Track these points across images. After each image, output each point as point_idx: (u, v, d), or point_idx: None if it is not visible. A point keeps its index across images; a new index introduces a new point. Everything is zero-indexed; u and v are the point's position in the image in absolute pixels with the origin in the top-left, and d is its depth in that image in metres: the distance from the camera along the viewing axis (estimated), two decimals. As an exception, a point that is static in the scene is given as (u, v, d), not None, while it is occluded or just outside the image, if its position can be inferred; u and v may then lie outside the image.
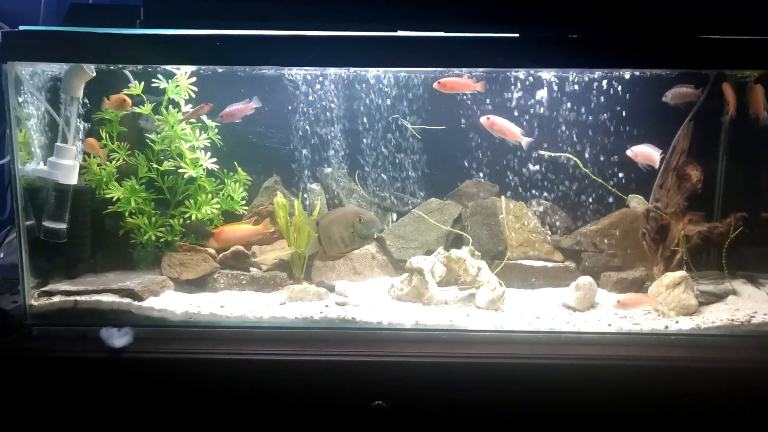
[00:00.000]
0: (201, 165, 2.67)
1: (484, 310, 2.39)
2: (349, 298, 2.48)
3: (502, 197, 2.86)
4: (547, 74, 2.61)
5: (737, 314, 2.30)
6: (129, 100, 2.51)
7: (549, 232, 2.87)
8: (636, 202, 2.82)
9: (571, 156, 2.70)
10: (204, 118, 2.66)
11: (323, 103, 2.77)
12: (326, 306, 2.40)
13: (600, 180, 2.69)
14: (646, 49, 2.09)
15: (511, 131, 2.54)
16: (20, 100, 2.35)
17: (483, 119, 2.54)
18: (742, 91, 2.49)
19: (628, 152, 2.55)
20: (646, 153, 2.53)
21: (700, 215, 2.66)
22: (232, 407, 2.09)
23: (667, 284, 2.37)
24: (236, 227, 2.63)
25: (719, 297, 2.46)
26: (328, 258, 2.44)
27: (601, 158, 2.74)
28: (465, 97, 2.73)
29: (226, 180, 2.75)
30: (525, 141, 2.55)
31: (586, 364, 2.07)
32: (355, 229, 2.23)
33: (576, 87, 2.67)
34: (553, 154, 2.73)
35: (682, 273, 2.39)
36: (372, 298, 2.50)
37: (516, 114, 2.72)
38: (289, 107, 2.75)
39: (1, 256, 2.74)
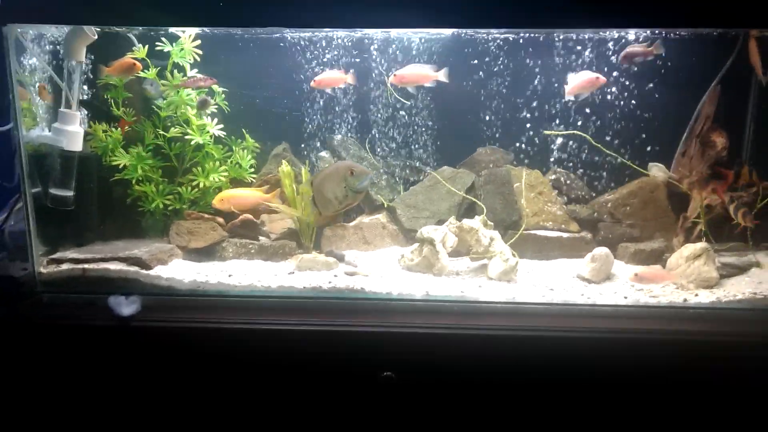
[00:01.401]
0: (208, 132, 2.62)
1: (497, 282, 2.34)
2: (359, 267, 2.44)
3: (523, 169, 2.78)
4: (570, 35, 2.49)
5: (760, 287, 2.22)
6: (138, 64, 2.44)
7: (566, 201, 2.79)
8: (656, 171, 2.73)
9: (580, 133, 2.60)
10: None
11: (332, 67, 2.68)
12: (335, 276, 2.36)
13: (615, 154, 2.58)
14: (666, 6, 1.97)
15: (424, 75, 2.46)
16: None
17: (391, 79, 2.48)
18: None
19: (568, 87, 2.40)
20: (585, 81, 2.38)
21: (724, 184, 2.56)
22: (239, 376, 2.08)
23: (687, 256, 2.30)
24: (245, 192, 2.58)
25: (742, 269, 2.37)
26: (323, 220, 2.35)
27: (622, 124, 2.64)
28: (481, 62, 2.63)
29: (234, 147, 2.70)
30: (442, 73, 2.45)
31: (601, 338, 2.02)
32: (348, 183, 2.17)
33: (596, 49, 2.55)
34: (560, 133, 2.63)
35: (703, 244, 2.31)
36: (382, 268, 2.46)
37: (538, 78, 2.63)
38: (298, 72, 2.67)
39: (12, 223, 2.73)
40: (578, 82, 2.38)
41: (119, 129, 2.55)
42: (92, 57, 2.41)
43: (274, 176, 2.74)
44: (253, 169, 2.73)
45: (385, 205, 2.80)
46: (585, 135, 2.61)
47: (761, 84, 2.48)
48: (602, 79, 2.37)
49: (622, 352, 2.00)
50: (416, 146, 2.83)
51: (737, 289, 2.22)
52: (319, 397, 2.08)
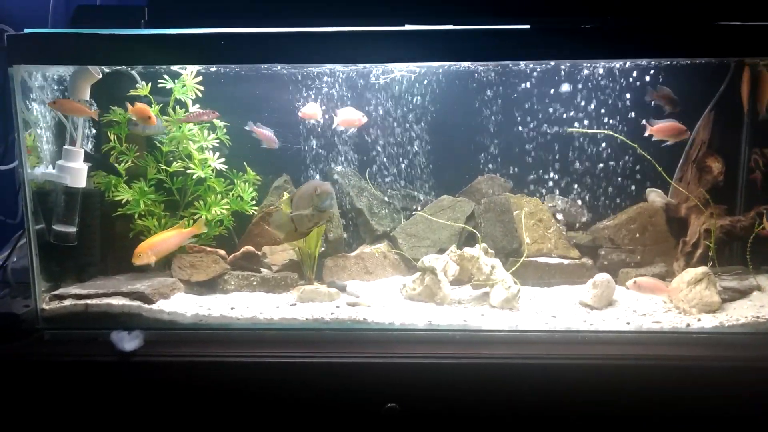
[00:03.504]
0: (210, 165, 2.65)
1: (499, 310, 2.34)
2: (361, 298, 2.44)
3: (522, 196, 2.81)
4: (559, 65, 2.54)
5: (762, 311, 2.22)
6: (154, 118, 2.45)
7: (565, 228, 2.80)
8: (654, 196, 2.76)
9: (608, 132, 2.60)
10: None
11: (332, 100, 2.73)
12: (337, 307, 2.36)
13: (648, 157, 2.54)
14: (660, 37, 2.02)
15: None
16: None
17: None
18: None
19: None
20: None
21: (722, 209, 2.58)
22: (242, 410, 2.06)
23: (689, 281, 2.30)
24: (163, 236, 2.44)
25: (743, 293, 2.38)
26: (297, 236, 2.36)
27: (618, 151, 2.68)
28: (479, 92, 2.69)
29: (235, 180, 2.73)
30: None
31: (605, 364, 2.01)
32: (313, 202, 2.19)
33: (590, 78, 2.60)
34: (587, 131, 2.63)
35: (704, 269, 2.32)
36: (384, 298, 2.46)
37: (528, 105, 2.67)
38: (298, 105, 2.72)
39: (14, 260, 2.74)
40: (662, 126, 2.48)
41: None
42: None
43: (275, 208, 2.76)
44: (254, 202, 2.76)
45: (390, 233, 2.82)
46: (614, 134, 2.60)
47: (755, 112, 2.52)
48: (688, 133, 2.49)
49: (626, 379, 1.99)
50: (416, 176, 2.86)
51: (740, 313, 2.22)
52: (322, 430, 2.06)
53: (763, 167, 2.52)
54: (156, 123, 2.46)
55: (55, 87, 2.42)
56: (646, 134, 2.48)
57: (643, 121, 2.48)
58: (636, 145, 2.53)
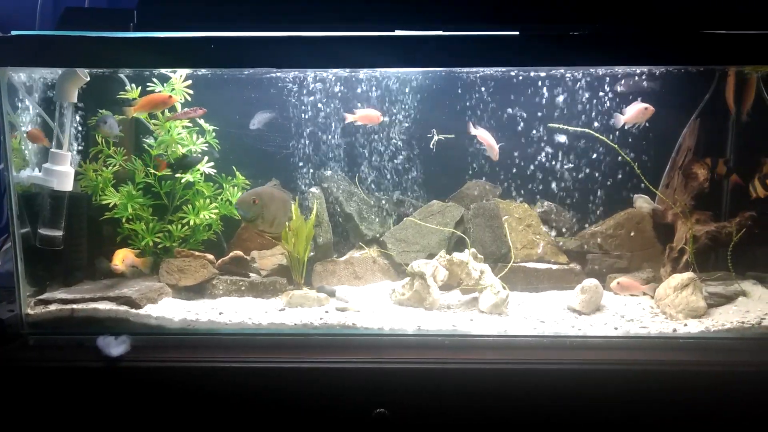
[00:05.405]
0: (198, 169, 2.64)
1: (488, 315, 2.34)
2: (350, 303, 2.44)
3: (511, 202, 2.82)
4: (549, 70, 2.56)
5: (747, 316, 2.25)
6: (174, 97, 2.47)
7: (554, 234, 2.82)
8: (642, 202, 2.78)
9: (589, 131, 2.61)
10: (201, 121, 2.63)
11: (321, 104, 2.73)
12: (326, 312, 2.36)
13: (629, 160, 2.57)
14: (648, 45, 2.04)
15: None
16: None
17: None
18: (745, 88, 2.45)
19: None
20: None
21: (708, 215, 2.61)
22: (231, 416, 2.05)
23: (675, 286, 2.32)
24: (123, 253, 2.46)
25: (729, 298, 2.40)
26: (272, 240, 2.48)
27: (606, 158, 2.70)
28: (470, 100, 2.70)
29: (224, 184, 2.71)
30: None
31: (593, 369, 2.02)
32: None
33: (575, 85, 2.62)
34: (568, 128, 2.64)
35: (690, 274, 2.34)
36: (373, 303, 2.46)
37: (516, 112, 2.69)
38: (287, 109, 2.71)
39: (-1, 264, 2.71)
40: (632, 112, 2.48)
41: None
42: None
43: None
44: (243, 206, 2.74)
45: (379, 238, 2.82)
46: (595, 133, 2.61)
47: (739, 116, 2.56)
48: (651, 108, 2.45)
49: (614, 383, 2.00)
50: (405, 180, 2.86)
51: (725, 319, 2.24)
52: (311, 437, 2.05)
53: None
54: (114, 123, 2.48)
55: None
56: (620, 125, 2.49)
57: (615, 114, 2.50)
58: (616, 146, 2.55)
